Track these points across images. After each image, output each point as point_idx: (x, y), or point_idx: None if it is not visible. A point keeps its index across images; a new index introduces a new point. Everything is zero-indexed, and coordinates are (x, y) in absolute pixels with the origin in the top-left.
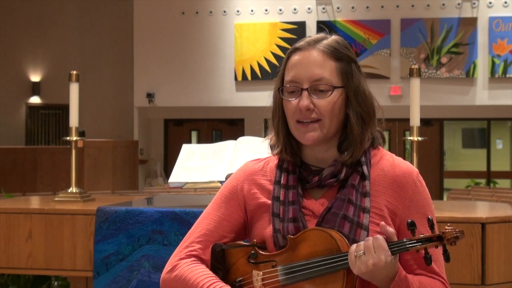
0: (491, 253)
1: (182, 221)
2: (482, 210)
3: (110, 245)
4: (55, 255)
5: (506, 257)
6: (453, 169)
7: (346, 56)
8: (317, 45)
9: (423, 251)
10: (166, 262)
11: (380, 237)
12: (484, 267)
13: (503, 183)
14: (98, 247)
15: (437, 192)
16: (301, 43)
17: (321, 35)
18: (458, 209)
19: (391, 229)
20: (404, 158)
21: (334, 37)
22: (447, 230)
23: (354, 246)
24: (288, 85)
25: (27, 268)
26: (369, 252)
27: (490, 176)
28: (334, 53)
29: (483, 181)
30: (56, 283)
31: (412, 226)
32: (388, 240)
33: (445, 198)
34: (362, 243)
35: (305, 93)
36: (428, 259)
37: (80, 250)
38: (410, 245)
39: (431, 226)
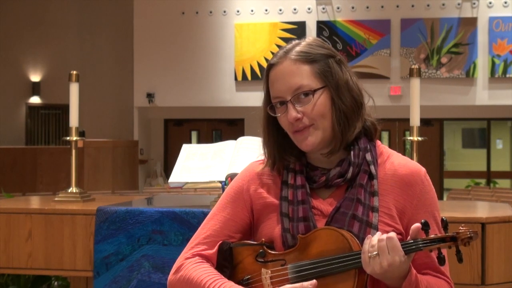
0: (491, 253)
1: (182, 221)
2: (482, 210)
3: (110, 245)
4: (55, 255)
5: (506, 257)
6: (453, 169)
7: (319, 55)
8: (288, 55)
9: (436, 251)
10: (166, 262)
11: (394, 236)
12: (484, 267)
13: (503, 183)
14: (98, 247)
15: (437, 192)
16: (274, 58)
17: (293, 43)
18: (458, 209)
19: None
20: None
21: (306, 40)
22: (461, 231)
23: (366, 245)
24: (274, 102)
25: (27, 268)
26: (383, 253)
27: (490, 176)
28: (306, 57)
29: (483, 181)
30: (56, 283)
31: (426, 226)
32: (412, 237)
33: (445, 198)
34: (375, 243)
35: (289, 105)
36: (442, 259)
37: (80, 250)
38: (424, 245)
39: (445, 226)
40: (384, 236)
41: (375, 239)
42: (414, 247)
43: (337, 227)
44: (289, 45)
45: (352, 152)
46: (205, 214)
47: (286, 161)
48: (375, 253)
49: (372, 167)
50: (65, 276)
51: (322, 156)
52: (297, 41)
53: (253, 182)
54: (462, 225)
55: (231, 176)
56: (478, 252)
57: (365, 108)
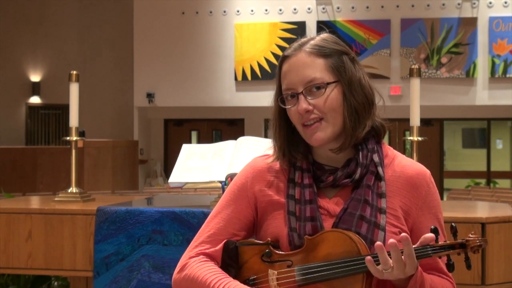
0: (491, 253)
1: (182, 221)
2: (482, 210)
3: (110, 245)
4: (55, 255)
5: (506, 257)
6: (453, 169)
7: (334, 50)
8: (303, 48)
9: (445, 258)
10: (166, 262)
11: (413, 252)
12: (484, 267)
13: (503, 183)
14: (98, 247)
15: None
16: (288, 50)
17: (308, 37)
18: (458, 209)
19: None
20: None
21: (321, 36)
22: (470, 238)
23: (380, 266)
24: (285, 94)
25: (27, 268)
26: (399, 267)
27: (490, 176)
28: (321, 51)
29: (483, 181)
30: (56, 283)
31: (435, 232)
32: (422, 244)
33: (445, 198)
34: (390, 262)
35: (301, 96)
36: (451, 266)
37: (80, 250)
38: (433, 252)
39: (454, 233)
40: (401, 255)
41: (385, 257)
42: (424, 254)
43: (345, 228)
44: (304, 39)
45: (360, 153)
46: (205, 214)
47: (293, 158)
48: (389, 270)
49: (379, 169)
50: (65, 276)
51: (330, 153)
52: (312, 36)
53: (257, 179)
54: (472, 232)
55: (231, 176)
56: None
57: (376, 107)
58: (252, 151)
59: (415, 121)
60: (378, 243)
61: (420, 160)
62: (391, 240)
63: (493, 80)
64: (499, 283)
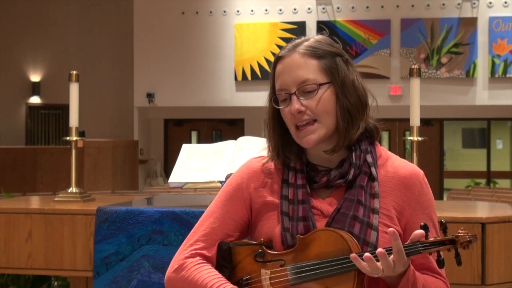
0: (491, 253)
1: (182, 221)
2: (482, 210)
3: (110, 245)
4: (55, 255)
5: (506, 257)
6: (453, 169)
7: (328, 52)
8: (297, 49)
9: (435, 254)
10: (166, 262)
11: (401, 247)
12: (484, 267)
13: (503, 183)
14: (98, 247)
15: (437, 192)
16: (282, 51)
17: (302, 38)
18: (458, 209)
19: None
20: (404, 158)
21: (316, 37)
22: (460, 234)
23: (369, 269)
24: (278, 94)
25: (27, 268)
26: (388, 268)
27: (490, 176)
28: (314, 52)
29: (483, 181)
30: (56, 283)
31: (425, 229)
32: (412, 241)
33: (445, 198)
34: (380, 267)
35: (293, 97)
36: (441, 262)
37: (80, 250)
38: (423, 248)
39: (444, 229)
40: (390, 262)
41: (375, 265)
42: (414, 250)
43: (338, 228)
44: (298, 40)
45: (353, 154)
46: None
47: (287, 159)
48: (380, 273)
49: (373, 169)
50: (65, 276)
51: (323, 154)
52: (306, 37)
53: (252, 180)
54: (462, 228)
55: None
56: (478, 252)
57: (369, 109)
58: (252, 151)
59: (415, 121)
60: (367, 254)
61: (420, 160)
62: (379, 249)
63: (493, 80)
64: (499, 283)
